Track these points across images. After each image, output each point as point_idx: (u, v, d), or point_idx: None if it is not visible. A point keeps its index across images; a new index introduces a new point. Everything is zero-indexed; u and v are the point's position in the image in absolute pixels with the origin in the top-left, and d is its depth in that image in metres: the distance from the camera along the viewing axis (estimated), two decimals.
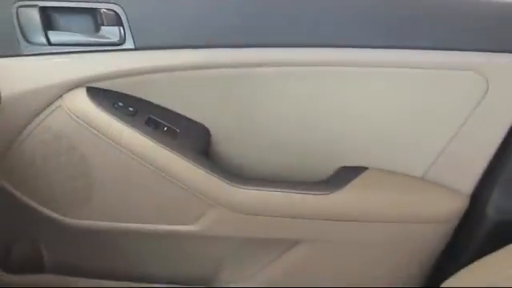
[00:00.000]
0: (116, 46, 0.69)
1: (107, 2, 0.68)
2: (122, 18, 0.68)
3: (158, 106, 0.75)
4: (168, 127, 0.75)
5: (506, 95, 0.66)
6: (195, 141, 0.76)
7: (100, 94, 0.71)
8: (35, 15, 0.69)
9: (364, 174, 0.75)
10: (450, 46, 0.65)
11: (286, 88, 0.72)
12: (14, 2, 0.68)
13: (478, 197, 0.72)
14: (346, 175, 0.75)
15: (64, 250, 0.88)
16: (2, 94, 0.70)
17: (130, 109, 0.73)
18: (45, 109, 0.71)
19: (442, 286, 0.58)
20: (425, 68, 0.66)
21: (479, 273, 0.59)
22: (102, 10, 0.68)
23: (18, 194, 0.79)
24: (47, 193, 0.78)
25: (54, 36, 0.69)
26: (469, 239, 0.71)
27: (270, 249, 0.80)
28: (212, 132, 0.77)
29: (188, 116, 0.76)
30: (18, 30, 0.69)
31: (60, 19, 0.70)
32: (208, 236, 0.77)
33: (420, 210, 0.73)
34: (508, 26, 0.64)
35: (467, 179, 0.72)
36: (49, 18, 0.69)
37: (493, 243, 0.61)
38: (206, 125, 0.77)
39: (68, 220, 0.80)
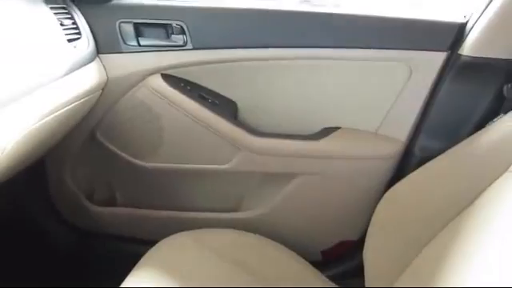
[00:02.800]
0: (181, 47, 1.10)
1: (176, 20, 1.08)
2: (185, 29, 1.08)
3: (205, 87, 1.15)
4: (212, 100, 1.15)
5: (422, 77, 1.06)
6: (228, 109, 1.16)
7: (170, 78, 1.12)
8: (130, 27, 1.09)
9: (338, 131, 1.15)
10: (388, 46, 1.05)
11: (286, 74, 1.11)
12: (117, 20, 1.09)
13: (410, 142, 1.12)
14: (326, 132, 1.15)
15: (132, 187, 1.27)
16: (109, 76, 1.10)
17: (188, 87, 1.13)
18: (134, 86, 1.12)
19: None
20: (372, 60, 1.07)
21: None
22: (173, 25, 1.09)
23: (109, 145, 1.19)
24: (130, 143, 1.18)
25: (142, 40, 1.10)
26: (403, 172, 1.10)
27: (276, 182, 1.19)
28: (238, 104, 1.18)
29: (223, 94, 1.17)
30: (119, 36, 1.09)
31: (146, 30, 1.10)
32: (236, 172, 1.17)
33: (371, 152, 1.12)
34: (420, 34, 1.05)
35: (402, 132, 1.11)
36: (138, 29, 1.09)
37: None
38: (235, 100, 1.17)
39: (141, 163, 1.20)
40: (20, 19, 0.87)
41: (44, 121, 0.88)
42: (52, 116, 0.90)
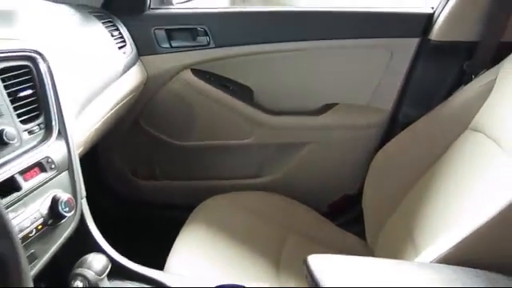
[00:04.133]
0: (205, 46, 1.35)
1: (200, 24, 1.33)
2: (207, 32, 1.34)
3: (226, 77, 1.41)
4: (232, 88, 1.41)
5: (401, 59, 1.31)
6: (245, 94, 1.43)
7: (197, 72, 1.38)
8: (163, 33, 1.34)
9: (336, 106, 1.41)
10: (372, 36, 1.30)
11: (291, 63, 1.37)
12: (152, 27, 1.34)
13: (394, 111, 1.38)
14: (327, 107, 1.41)
15: (169, 163, 1.54)
16: (148, 74, 1.36)
17: (212, 79, 1.39)
18: (169, 81, 1.38)
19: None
20: (359, 47, 1.33)
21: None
22: (197, 28, 1.34)
23: (150, 129, 1.46)
24: (167, 127, 1.45)
25: (173, 43, 1.35)
26: (390, 135, 1.35)
27: (288, 151, 1.45)
28: (254, 90, 1.43)
29: (241, 82, 1.42)
30: (154, 40, 1.34)
31: (176, 34, 1.35)
32: (255, 145, 1.44)
33: (365, 121, 1.39)
34: (396, 25, 1.30)
35: (388, 103, 1.38)
36: (170, 34, 1.35)
37: None
38: (250, 86, 1.43)
39: (176, 142, 1.47)
40: (85, 36, 1.12)
41: (106, 117, 1.13)
42: (111, 112, 1.16)
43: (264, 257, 1.10)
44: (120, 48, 1.24)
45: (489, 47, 1.19)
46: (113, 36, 1.24)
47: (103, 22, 1.23)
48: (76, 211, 0.82)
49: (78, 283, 0.70)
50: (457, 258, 0.75)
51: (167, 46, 1.35)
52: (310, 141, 1.43)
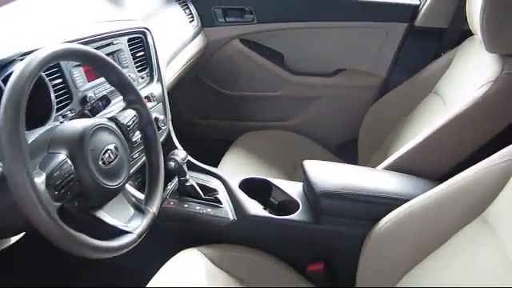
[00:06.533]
0: (250, 22, 1.86)
1: (247, 5, 1.83)
2: (252, 11, 1.84)
3: (265, 46, 1.91)
4: (269, 54, 1.92)
5: (394, 38, 1.76)
6: (278, 58, 1.93)
7: (244, 41, 1.89)
8: (220, 11, 1.85)
9: (345, 71, 1.89)
10: (372, 19, 1.77)
11: (312, 37, 1.85)
12: (212, 6, 1.85)
13: (387, 77, 1.85)
14: (338, 71, 1.90)
15: (220, 107, 2.07)
16: (208, 41, 1.88)
17: (254, 46, 1.90)
18: (223, 47, 1.90)
19: None
20: (362, 28, 1.79)
21: None
22: (245, 8, 1.84)
23: (207, 81, 1.99)
24: (220, 80, 1.98)
25: (227, 18, 1.86)
26: (383, 94, 1.81)
27: (307, 102, 1.95)
28: (284, 55, 1.93)
29: (275, 49, 1.92)
30: (214, 16, 1.86)
31: (229, 12, 1.86)
32: (282, 96, 1.95)
33: (365, 83, 1.86)
34: (390, 11, 1.75)
35: (383, 70, 1.84)
36: (225, 11, 1.85)
37: None
38: (282, 52, 1.93)
39: (226, 92, 2.00)
40: (169, 14, 1.65)
41: (180, 70, 1.66)
42: (184, 67, 1.69)
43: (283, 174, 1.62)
44: (190, 22, 1.77)
45: (454, 33, 1.64)
46: (185, 13, 1.76)
47: (179, 3, 1.76)
48: (167, 126, 1.37)
49: (171, 164, 1.24)
50: (397, 166, 1.25)
51: (223, 20, 1.87)
52: (323, 95, 1.93)
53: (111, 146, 0.85)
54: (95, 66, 0.93)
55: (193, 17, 1.80)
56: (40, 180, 0.71)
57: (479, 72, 1.25)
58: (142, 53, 1.34)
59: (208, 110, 2.11)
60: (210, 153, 1.64)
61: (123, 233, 0.86)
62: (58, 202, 0.73)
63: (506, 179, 0.88)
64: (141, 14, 1.46)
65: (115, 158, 0.85)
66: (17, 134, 0.68)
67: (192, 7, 1.83)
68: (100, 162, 0.82)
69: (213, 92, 2.02)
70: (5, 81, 0.82)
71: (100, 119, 0.89)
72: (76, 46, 0.86)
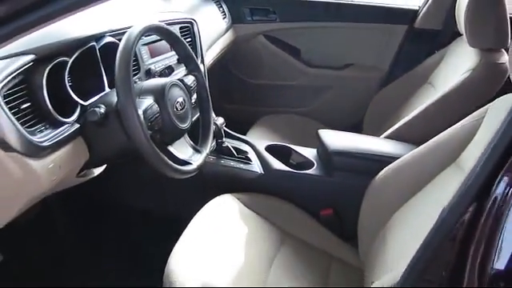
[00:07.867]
0: (273, 21, 2.18)
1: (271, 6, 2.15)
2: (276, 11, 2.15)
3: (285, 42, 2.23)
4: (288, 49, 2.23)
5: (395, 37, 2.07)
6: (296, 52, 2.24)
7: (267, 37, 2.21)
8: (248, 10, 2.18)
9: (352, 65, 2.20)
10: (377, 21, 2.08)
11: (324, 35, 2.17)
12: (241, 6, 2.17)
13: (389, 69, 2.15)
14: (346, 66, 2.21)
15: (244, 94, 2.37)
16: (237, 35, 2.20)
17: (276, 41, 2.22)
18: (249, 41, 2.22)
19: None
20: (368, 29, 2.10)
21: None
22: (269, 9, 2.16)
23: (233, 70, 2.31)
24: (245, 70, 2.30)
25: (254, 17, 2.18)
26: (386, 85, 2.12)
27: (320, 90, 2.25)
28: (301, 50, 2.25)
29: (293, 45, 2.24)
30: (242, 15, 2.18)
31: (256, 11, 2.18)
32: (299, 85, 2.26)
33: (369, 74, 2.18)
34: (393, 15, 2.06)
35: (386, 65, 2.13)
36: (252, 11, 2.18)
37: None
38: (299, 48, 2.25)
39: (250, 80, 2.31)
40: (207, 11, 1.97)
41: (213, 59, 1.97)
42: (216, 57, 1.99)
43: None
44: (223, 18, 2.09)
45: (446, 34, 1.94)
46: (219, 11, 2.08)
47: (215, 2, 2.08)
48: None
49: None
50: (393, 135, 1.55)
51: (250, 19, 2.19)
52: (334, 86, 2.24)
53: (180, 99, 1.16)
54: (170, 40, 1.24)
55: (225, 14, 2.12)
56: (140, 113, 1.02)
57: (463, 64, 1.56)
58: (190, 39, 1.65)
59: (233, 96, 2.41)
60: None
61: (187, 164, 1.16)
62: (149, 131, 1.04)
63: (477, 131, 1.10)
64: (185, 7, 1.78)
65: (183, 108, 1.16)
66: (128, 79, 0.99)
67: (224, 6, 2.15)
68: (174, 109, 1.13)
69: (239, 80, 2.33)
70: (102, 47, 1.13)
71: (173, 78, 1.19)
72: (160, 24, 1.17)
